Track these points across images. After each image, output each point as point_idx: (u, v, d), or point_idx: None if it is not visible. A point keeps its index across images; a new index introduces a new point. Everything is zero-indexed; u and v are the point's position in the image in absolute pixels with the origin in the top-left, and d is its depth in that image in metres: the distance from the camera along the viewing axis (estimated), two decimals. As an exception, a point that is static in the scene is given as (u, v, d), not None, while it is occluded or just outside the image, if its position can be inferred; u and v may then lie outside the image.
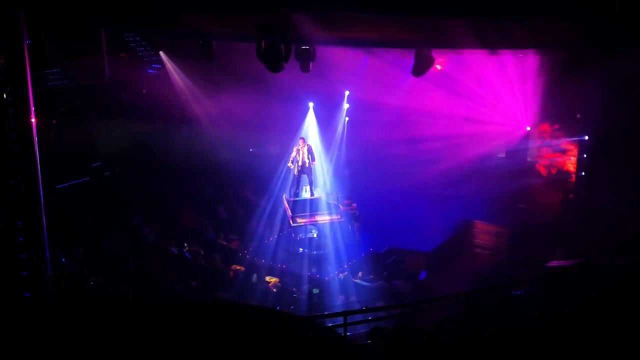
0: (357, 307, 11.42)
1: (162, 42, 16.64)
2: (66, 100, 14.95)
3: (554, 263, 11.65)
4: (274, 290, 12.75)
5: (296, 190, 15.07)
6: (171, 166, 15.72)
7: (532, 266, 12.35)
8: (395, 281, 13.04)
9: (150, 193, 15.63)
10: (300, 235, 14.90)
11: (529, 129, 17.72)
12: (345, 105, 18.02)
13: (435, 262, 14.04)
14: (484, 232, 15.06)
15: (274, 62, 9.38)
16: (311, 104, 17.06)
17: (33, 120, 8.34)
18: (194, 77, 16.74)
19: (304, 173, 14.91)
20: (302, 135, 15.57)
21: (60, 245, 11.71)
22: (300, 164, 14.71)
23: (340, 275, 13.55)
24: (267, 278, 13.10)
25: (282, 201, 15.62)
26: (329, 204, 14.77)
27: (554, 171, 17.85)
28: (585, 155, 15.34)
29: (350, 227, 14.99)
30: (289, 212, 14.66)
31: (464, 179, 16.85)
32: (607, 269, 8.85)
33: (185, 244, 13.82)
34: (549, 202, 15.74)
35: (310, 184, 15.08)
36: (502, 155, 18.38)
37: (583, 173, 15.45)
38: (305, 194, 15.08)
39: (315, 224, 14.78)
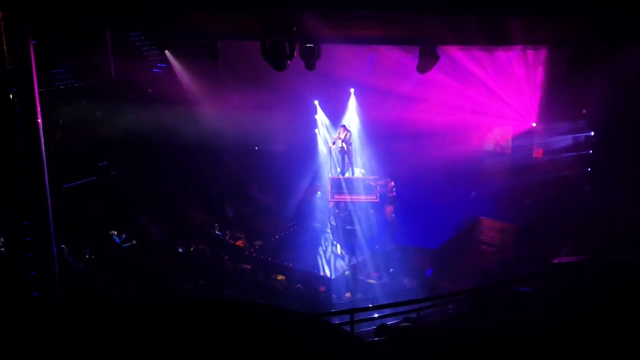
0: (363, 304, 11.42)
1: (167, 41, 16.62)
2: (72, 100, 14.97)
3: (560, 259, 11.60)
4: (281, 288, 12.78)
5: (341, 170, 16.07)
6: (177, 165, 15.75)
7: (538, 263, 12.30)
8: (402, 278, 13.04)
9: (156, 192, 15.68)
10: (337, 211, 15.69)
11: (534, 124, 17.63)
12: (352, 103, 17.99)
13: (442, 259, 14.02)
14: (490, 228, 15.03)
15: (279, 61, 9.40)
16: (317, 102, 17.07)
17: (39, 120, 8.38)
18: (199, 75, 16.73)
19: (344, 154, 15.99)
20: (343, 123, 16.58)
21: (67, 244, 11.76)
22: (339, 146, 15.78)
23: (346, 272, 13.57)
24: (274, 276, 13.14)
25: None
26: (367, 185, 15.48)
27: (559, 167, 17.76)
28: (591, 151, 15.31)
29: (383, 209, 15.56)
30: (329, 189, 15.63)
31: (469, 175, 16.77)
32: (614, 266, 8.81)
33: (192, 243, 13.86)
34: (555, 198, 15.64)
35: (351, 165, 16.13)
36: (508, 151, 18.30)
37: (589, 169, 15.42)
38: (347, 174, 16.12)
39: (351, 203, 15.49)
